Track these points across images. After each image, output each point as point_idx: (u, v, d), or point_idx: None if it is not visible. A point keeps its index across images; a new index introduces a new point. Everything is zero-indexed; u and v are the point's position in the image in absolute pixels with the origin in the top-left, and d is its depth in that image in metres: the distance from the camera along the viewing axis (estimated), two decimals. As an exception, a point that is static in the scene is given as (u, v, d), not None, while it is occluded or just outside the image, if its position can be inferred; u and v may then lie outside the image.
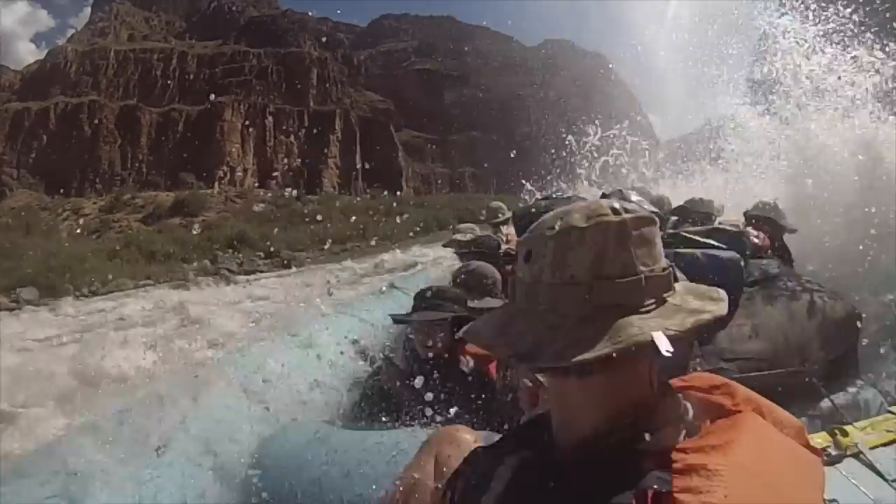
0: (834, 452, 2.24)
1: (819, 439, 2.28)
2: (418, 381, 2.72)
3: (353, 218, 75.27)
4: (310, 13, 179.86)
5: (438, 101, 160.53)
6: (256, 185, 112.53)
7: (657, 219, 0.93)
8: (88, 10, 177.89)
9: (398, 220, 73.57)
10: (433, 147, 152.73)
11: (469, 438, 1.67)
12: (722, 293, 0.99)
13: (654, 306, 0.94)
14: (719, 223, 4.38)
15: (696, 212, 4.62)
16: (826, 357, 3.49)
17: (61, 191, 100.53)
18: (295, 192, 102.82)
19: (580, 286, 0.94)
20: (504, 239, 5.66)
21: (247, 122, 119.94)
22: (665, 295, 0.91)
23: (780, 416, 1.04)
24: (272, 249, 53.24)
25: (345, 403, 3.85)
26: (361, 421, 3.19)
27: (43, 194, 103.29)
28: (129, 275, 42.87)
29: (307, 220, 74.46)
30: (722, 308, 0.95)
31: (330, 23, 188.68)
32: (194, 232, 70.30)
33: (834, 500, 1.88)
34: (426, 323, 2.99)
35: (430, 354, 2.98)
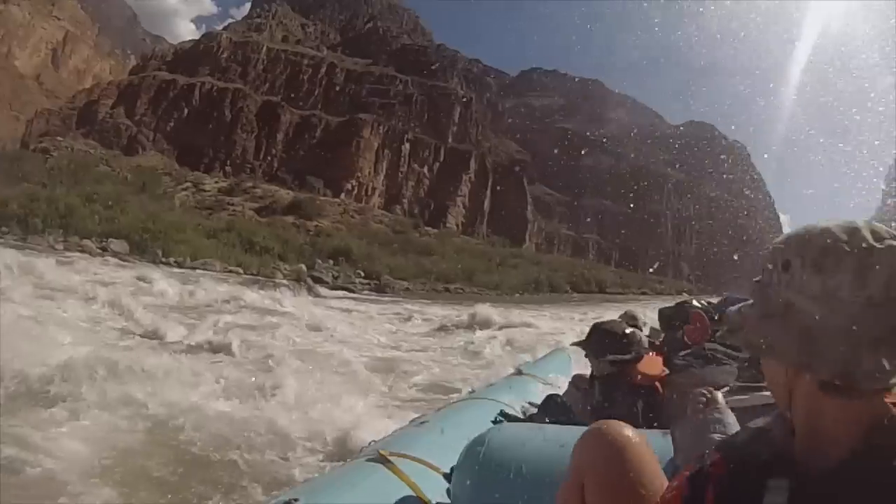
0: None
1: None
2: (596, 392, 3.62)
3: (465, 258, 73.35)
4: (461, 52, 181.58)
5: (575, 162, 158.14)
6: (381, 206, 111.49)
7: None
8: (249, 5, 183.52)
9: (508, 272, 70.17)
10: (562, 208, 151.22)
11: (627, 432, 1.61)
12: None
13: None
14: None
15: None
16: None
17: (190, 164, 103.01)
18: (414, 221, 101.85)
19: (879, 307, 0.93)
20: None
21: (384, 144, 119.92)
22: None
23: None
24: (369, 272, 50.73)
25: None
26: None
27: (174, 161, 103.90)
28: (220, 257, 42.45)
29: (420, 251, 72.33)
30: None
31: (480, 65, 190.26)
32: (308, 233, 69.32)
33: None
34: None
35: (606, 373, 3.60)
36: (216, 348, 10.88)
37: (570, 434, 2.42)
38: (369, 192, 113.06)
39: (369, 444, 4.13)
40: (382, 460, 3.24)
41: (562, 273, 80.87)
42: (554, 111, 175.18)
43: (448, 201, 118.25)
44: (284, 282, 34.97)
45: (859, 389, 0.96)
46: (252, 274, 39.15)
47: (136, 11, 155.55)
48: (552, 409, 3.81)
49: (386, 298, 38.39)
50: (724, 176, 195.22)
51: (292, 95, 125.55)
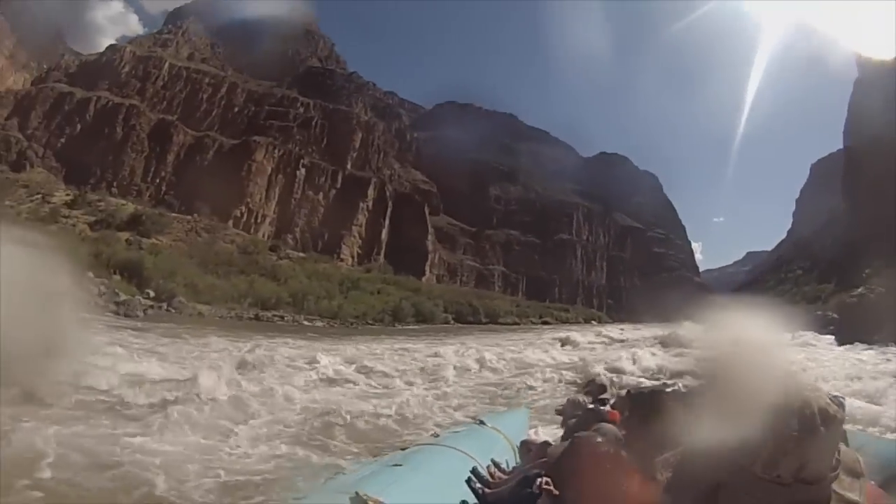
0: None
1: None
2: None
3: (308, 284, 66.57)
4: (376, 84, 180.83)
5: (483, 194, 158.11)
6: (271, 234, 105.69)
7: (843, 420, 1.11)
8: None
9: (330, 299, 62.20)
10: (467, 239, 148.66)
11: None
12: (863, 467, 1.26)
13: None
14: None
15: None
16: None
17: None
18: (270, 241, 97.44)
19: (784, 487, 1.09)
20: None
21: (277, 168, 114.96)
22: (834, 486, 1.10)
23: None
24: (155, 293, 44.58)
25: None
26: None
27: (60, 179, 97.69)
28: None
29: (264, 274, 65.98)
30: (864, 482, 1.18)
31: (395, 97, 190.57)
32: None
33: None
34: None
35: None
36: None
37: None
38: (259, 220, 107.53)
39: (335, 476, 4.76)
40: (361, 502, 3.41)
41: (438, 301, 75.73)
42: (466, 144, 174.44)
43: (343, 231, 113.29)
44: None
45: None
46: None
47: (62, 27, 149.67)
48: None
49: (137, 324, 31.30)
50: (636, 204, 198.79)
51: (189, 115, 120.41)
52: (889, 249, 48.43)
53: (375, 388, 16.63)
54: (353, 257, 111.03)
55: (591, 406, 5.84)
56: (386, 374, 19.11)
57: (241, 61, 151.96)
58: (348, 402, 13.28)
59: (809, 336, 38.35)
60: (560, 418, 6.70)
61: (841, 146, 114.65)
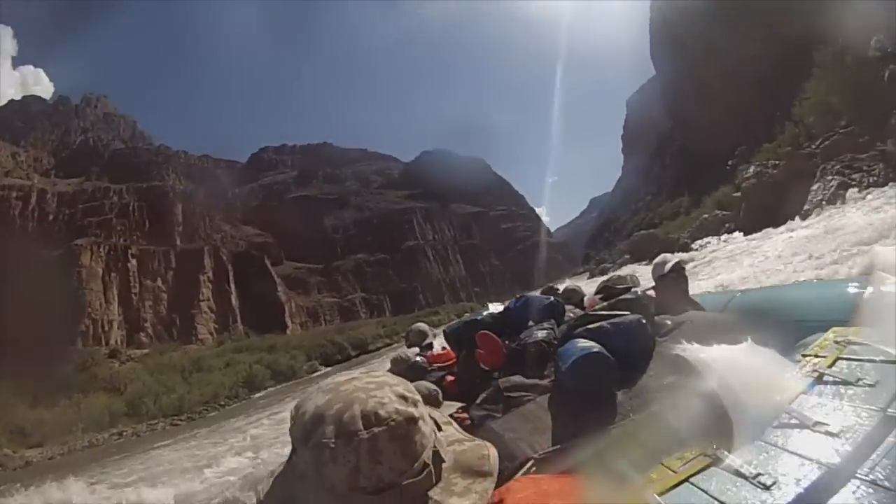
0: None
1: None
2: None
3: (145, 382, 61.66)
4: (188, 152, 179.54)
5: (319, 227, 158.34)
6: (123, 339, 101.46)
7: (416, 418, 0.98)
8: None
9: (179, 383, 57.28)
10: (318, 277, 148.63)
11: None
12: (492, 464, 1.07)
13: None
14: (633, 293, 4.40)
15: (617, 288, 4.84)
16: None
17: None
18: (107, 349, 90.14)
19: (338, 497, 0.96)
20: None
21: (108, 267, 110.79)
22: (429, 492, 0.95)
23: None
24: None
25: None
26: None
27: None
28: None
29: (105, 388, 59.02)
30: (489, 484, 1.00)
31: (210, 159, 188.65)
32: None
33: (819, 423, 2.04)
34: None
35: None
36: None
37: None
38: (106, 328, 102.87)
39: None
40: None
41: (299, 350, 72.31)
42: (290, 184, 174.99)
43: (193, 310, 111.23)
44: None
45: None
46: None
47: None
48: None
49: None
50: (471, 191, 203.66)
51: (6, 235, 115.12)
52: (739, 140, 50.48)
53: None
54: (211, 334, 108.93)
55: (416, 359, 5.62)
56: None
57: (46, 165, 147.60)
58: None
59: (714, 241, 34.08)
60: None
61: (651, 74, 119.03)
